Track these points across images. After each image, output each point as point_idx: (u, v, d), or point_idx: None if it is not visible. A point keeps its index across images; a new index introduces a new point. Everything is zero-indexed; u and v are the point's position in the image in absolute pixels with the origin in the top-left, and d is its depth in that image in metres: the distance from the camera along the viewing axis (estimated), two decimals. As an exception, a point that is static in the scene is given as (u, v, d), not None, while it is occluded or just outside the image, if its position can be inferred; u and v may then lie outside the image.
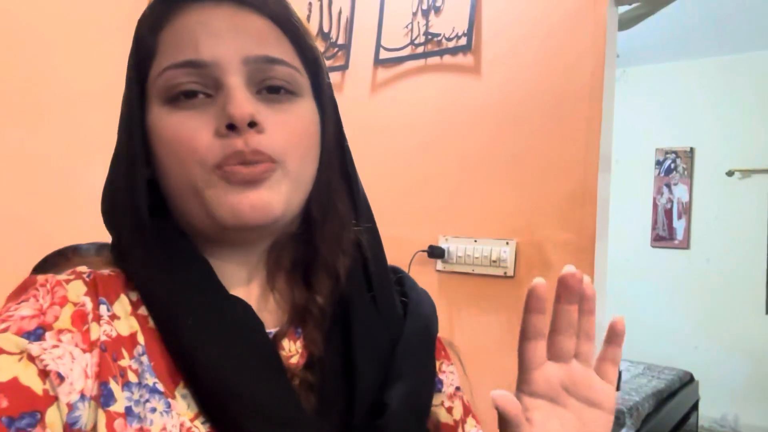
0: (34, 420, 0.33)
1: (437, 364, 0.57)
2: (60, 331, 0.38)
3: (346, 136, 0.54)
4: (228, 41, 0.44)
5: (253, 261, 0.50)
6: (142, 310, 0.43)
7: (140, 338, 0.41)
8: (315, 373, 0.47)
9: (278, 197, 0.45)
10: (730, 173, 4.48)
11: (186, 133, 0.43)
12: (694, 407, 3.57)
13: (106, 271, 0.44)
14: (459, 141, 1.75)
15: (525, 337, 0.45)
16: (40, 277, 0.41)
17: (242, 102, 0.42)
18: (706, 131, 4.62)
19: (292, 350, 0.48)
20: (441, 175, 1.76)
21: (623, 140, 3.54)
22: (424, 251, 1.71)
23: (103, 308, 0.41)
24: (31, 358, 0.35)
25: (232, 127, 0.42)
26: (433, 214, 1.75)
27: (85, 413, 0.36)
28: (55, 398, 0.35)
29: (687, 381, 3.52)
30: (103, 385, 0.38)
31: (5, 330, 0.36)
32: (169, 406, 0.39)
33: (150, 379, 0.40)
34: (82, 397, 0.36)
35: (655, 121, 4.65)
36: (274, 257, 0.51)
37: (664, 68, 4.72)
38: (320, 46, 2.06)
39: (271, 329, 0.48)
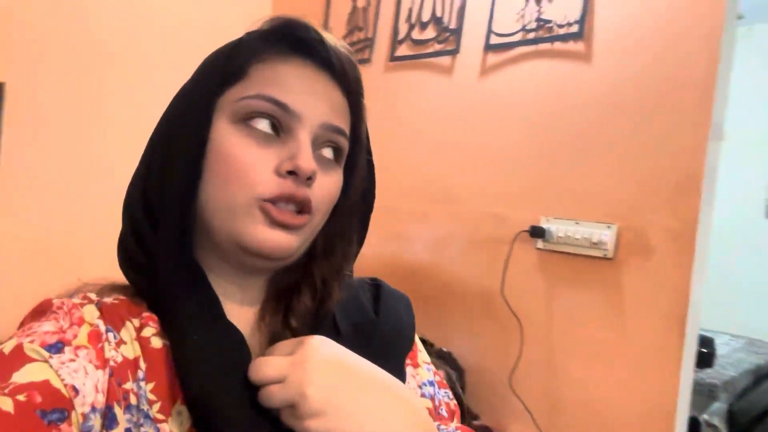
0: (63, 416, 0.37)
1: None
2: (77, 347, 0.41)
3: (375, 193, 0.61)
4: (316, 103, 0.49)
5: (250, 286, 0.54)
6: (146, 332, 0.46)
7: (142, 363, 0.44)
8: None
9: (297, 243, 0.50)
10: None
11: (247, 158, 0.46)
12: (798, 387, 3.46)
13: (109, 299, 0.47)
14: (565, 125, 1.83)
15: None
16: (56, 301, 0.45)
17: (310, 159, 0.47)
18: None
19: None
20: (545, 158, 1.86)
21: (742, 104, 3.34)
22: (525, 231, 1.84)
23: (110, 335, 0.44)
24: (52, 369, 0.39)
25: (292, 173, 0.47)
26: (535, 195, 1.87)
27: (96, 423, 0.40)
28: (73, 407, 0.38)
29: (793, 360, 3.41)
30: (108, 408, 0.41)
31: (32, 341, 0.40)
32: (158, 430, 0.43)
33: (145, 405, 0.43)
34: (93, 408, 0.40)
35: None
36: (272, 288, 0.55)
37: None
38: (432, 31, 2.18)
39: (257, 353, 0.50)
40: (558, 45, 1.86)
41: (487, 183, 2.00)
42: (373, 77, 2.45)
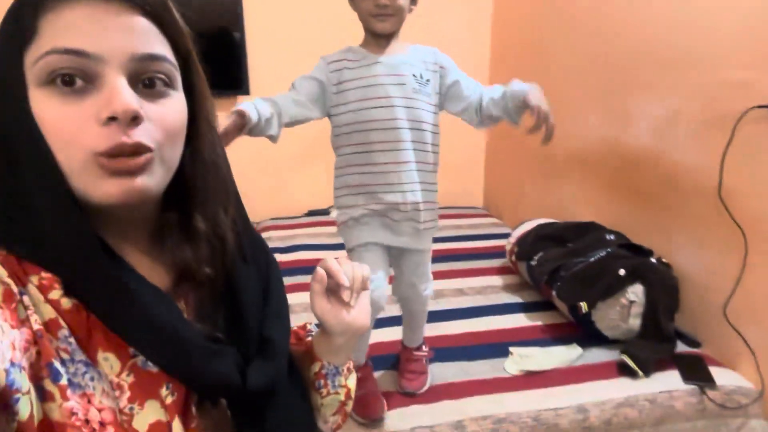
0: None
1: None
2: None
3: (215, 116, 0.58)
4: (116, 38, 0.46)
5: (137, 222, 0.54)
6: (53, 294, 0.46)
7: (62, 322, 0.46)
8: (206, 325, 0.55)
9: (152, 181, 0.49)
10: None
11: (66, 116, 0.45)
12: None
13: None
14: None
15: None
16: None
17: (128, 98, 0.45)
18: None
19: (182, 308, 0.55)
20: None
21: None
22: (764, 107, 1.26)
23: (25, 298, 0.45)
24: None
25: (113, 119, 0.45)
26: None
27: (18, 377, 0.40)
28: None
29: None
30: (48, 365, 0.43)
31: None
32: (99, 373, 0.47)
33: (81, 356, 0.46)
34: (12, 364, 0.40)
35: None
36: (157, 222, 0.56)
37: None
38: None
39: (164, 287, 0.54)
40: None
41: (731, 37, 1.40)
42: None
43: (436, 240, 1.41)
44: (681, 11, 1.56)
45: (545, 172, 2.37)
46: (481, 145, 2.96)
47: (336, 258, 0.65)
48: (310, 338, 0.71)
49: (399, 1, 1.17)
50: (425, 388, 1.41)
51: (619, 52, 1.84)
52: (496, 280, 2.04)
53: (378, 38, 1.24)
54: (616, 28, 1.86)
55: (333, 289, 0.64)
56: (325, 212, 2.72)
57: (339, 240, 1.40)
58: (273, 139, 1.19)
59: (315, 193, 2.71)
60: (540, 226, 1.97)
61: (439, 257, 2.15)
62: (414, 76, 1.25)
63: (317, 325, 0.70)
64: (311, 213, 2.74)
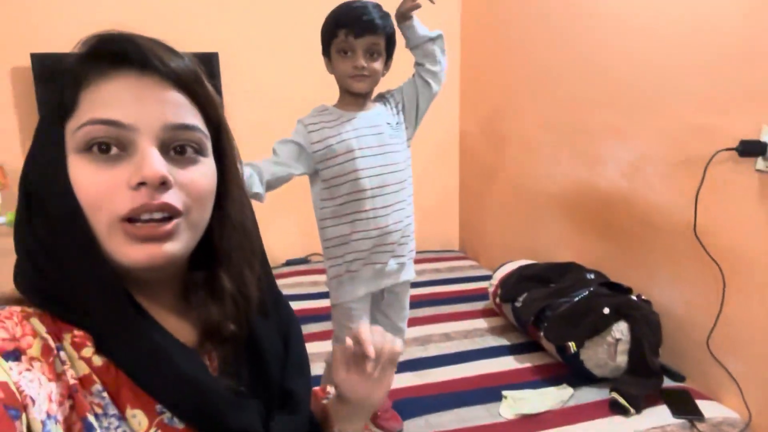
0: (19, 414, 0.40)
1: None
2: (32, 358, 0.44)
3: (243, 181, 0.61)
4: (149, 110, 0.49)
5: (164, 281, 0.55)
6: (85, 352, 0.48)
7: (95, 377, 0.48)
8: (230, 379, 0.55)
9: (179, 246, 0.50)
10: None
11: (100, 184, 0.48)
12: None
13: (30, 310, 0.48)
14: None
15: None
16: (3, 310, 0.46)
17: (157, 165, 0.48)
18: None
19: (207, 363, 0.56)
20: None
21: None
22: (731, 149, 1.34)
23: (62, 354, 0.47)
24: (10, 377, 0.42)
25: (142, 184, 0.48)
26: (757, 97, 1.33)
27: (53, 429, 0.42)
28: (25, 411, 0.41)
29: None
30: (82, 420, 0.45)
31: None
32: (131, 428, 0.48)
33: (114, 410, 0.48)
34: (48, 416, 0.42)
35: None
36: (184, 280, 0.57)
37: None
38: None
39: (190, 343, 0.55)
40: None
41: (695, 84, 1.50)
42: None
43: (417, 285, 1.45)
44: (644, 59, 1.67)
45: (520, 214, 2.43)
46: (456, 189, 3.02)
47: (371, 327, 0.65)
48: (326, 401, 0.70)
49: (374, 65, 1.31)
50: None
51: (586, 98, 1.94)
52: (481, 323, 2.05)
53: (356, 97, 1.36)
54: (582, 75, 1.96)
55: (358, 357, 0.64)
56: (303, 261, 2.71)
57: (321, 288, 1.43)
58: (259, 197, 1.28)
59: (289, 244, 2.71)
60: (522, 267, 2.01)
61: (422, 302, 2.18)
62: (388, 124, 1.39)
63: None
64: (289, 263, 2.73)
